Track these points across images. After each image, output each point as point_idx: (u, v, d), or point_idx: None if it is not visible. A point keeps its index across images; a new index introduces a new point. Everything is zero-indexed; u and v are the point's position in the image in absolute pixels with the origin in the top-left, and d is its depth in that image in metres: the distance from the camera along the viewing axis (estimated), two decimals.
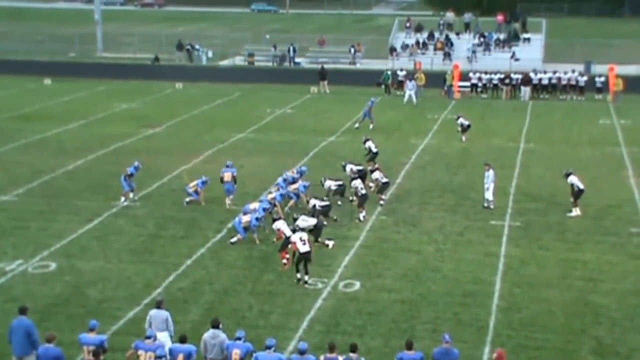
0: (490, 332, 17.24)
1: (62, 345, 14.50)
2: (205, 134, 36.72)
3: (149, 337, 14.08)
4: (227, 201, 25.60)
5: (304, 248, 19.62)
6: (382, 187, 25.90)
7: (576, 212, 24.75)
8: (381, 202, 25.77)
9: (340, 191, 25.72)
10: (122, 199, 25.86)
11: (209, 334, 14.44)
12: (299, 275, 19.69)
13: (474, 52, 56.05)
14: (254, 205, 23.09)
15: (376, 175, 25.94)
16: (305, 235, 20.04)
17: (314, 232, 21.62)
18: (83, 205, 25.67)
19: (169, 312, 15.59)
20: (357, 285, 19.66)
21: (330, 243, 21.90)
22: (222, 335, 14.40)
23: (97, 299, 18.74)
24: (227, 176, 25.56)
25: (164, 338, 14.87)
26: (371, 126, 37.50)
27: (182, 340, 14.20)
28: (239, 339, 14.23)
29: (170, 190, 27.31)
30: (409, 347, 14.05)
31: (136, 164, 26.32)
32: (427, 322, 17.67)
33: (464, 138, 34.99)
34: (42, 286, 19.46)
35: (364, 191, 24.64)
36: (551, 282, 19.84)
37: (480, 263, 21.14)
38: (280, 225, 21.15)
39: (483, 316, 17.96)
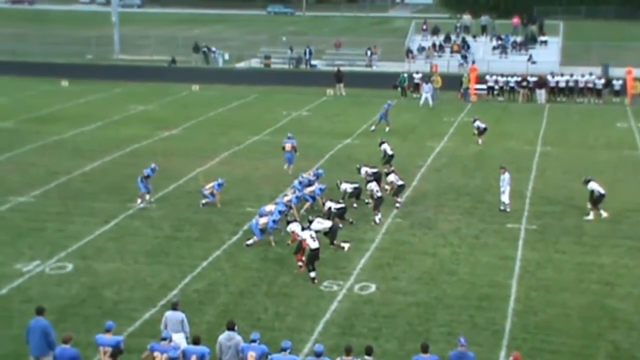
0: (506, 335, 17.18)
1: (79, 346, 14.54)
2: (221, 136, 36.77)
3: (164, 339, 14.11)
4: (287, 169, 29.23)
5: (314, 244, 19.78)
6: (398, 190, 25.85)
7: (596, 215, 24.59)
8: (397, 204, 25.73)
9: (356, 194, 25.70)
10: (138, 200, 25.93)
11: (224, 336, 14.44)
12: (312, 274, 19.71)
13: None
14: (270, 207, 23.11)
15: (391, 177, 25.89)
16: (314, 232, 20.18)
17: (330, 234, 21.66)
18: (99, 206, 25.77)
19: (185, 313, 15.63)
20: (373, 287, 19.64)
21: (346, 246, 21.86)
22: (238, 338, 14.39)
23: (113, 300, 18.81)
24: (288, 146, 29.32)
25: (179, 339, 14.88)
26: (387, 129, 37.46)
27: (196, 341, 14.23)
28: (254, 341, 14.23)
29: (186, 192, 27.37)
30: (425, 350, 14.00)
31: (153, 165, 26.38)
32: (442, 325, 17.63)
33: (480, 141, 34.88)
34: (58, 287, 19.56)
35: (379, 194, 24.60)
36: (567, 286, 19.74)
37: (496, 266, 21.06)
38: (295, 227, 21.13)
39: (499, 319, 17.90)
